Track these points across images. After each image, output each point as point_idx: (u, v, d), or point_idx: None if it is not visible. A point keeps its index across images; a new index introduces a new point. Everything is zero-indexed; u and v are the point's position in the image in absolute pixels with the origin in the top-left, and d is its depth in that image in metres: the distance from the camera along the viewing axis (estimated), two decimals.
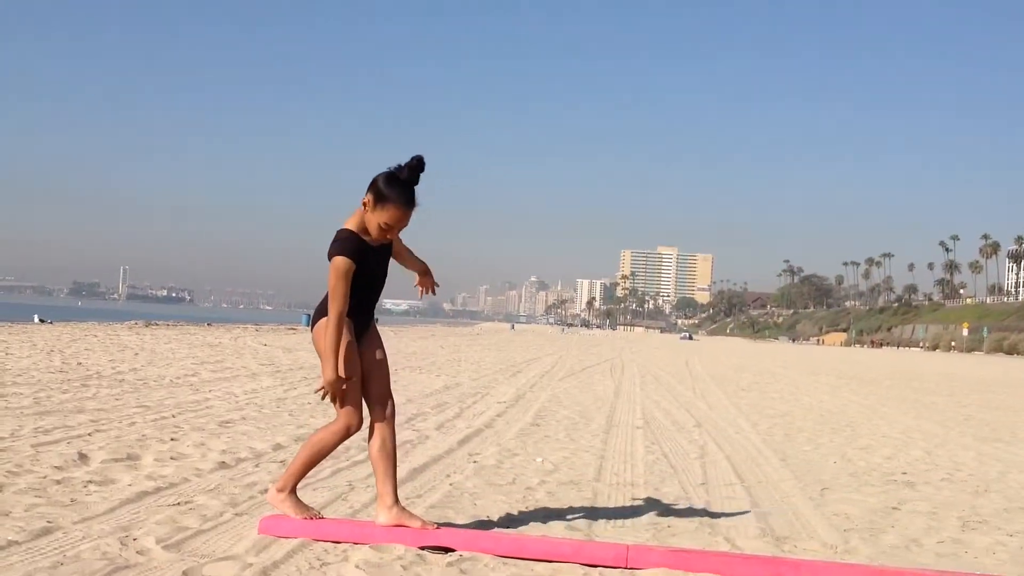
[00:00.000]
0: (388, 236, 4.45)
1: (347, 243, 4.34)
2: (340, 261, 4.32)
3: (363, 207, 4.40)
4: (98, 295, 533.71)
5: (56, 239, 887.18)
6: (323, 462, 6.39)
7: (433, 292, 4.99)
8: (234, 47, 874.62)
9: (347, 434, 4.50)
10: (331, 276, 4.32)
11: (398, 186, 4.34)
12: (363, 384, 4.51)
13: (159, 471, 5.75)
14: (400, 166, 4.36)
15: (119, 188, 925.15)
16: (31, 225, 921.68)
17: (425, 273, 4.93)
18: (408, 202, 4.36)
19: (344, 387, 4.38)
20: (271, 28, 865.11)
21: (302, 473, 4.57)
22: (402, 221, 4.39)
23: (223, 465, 6.10)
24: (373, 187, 4.36)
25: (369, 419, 4.55)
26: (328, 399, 4.39)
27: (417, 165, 4.36)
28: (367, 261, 4.43)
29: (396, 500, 4.50)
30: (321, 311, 4.47)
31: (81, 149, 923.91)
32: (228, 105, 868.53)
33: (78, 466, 5.73)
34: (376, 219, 4.36)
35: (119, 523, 4.42)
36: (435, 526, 4.44)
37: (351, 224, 4.42)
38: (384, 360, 4.63)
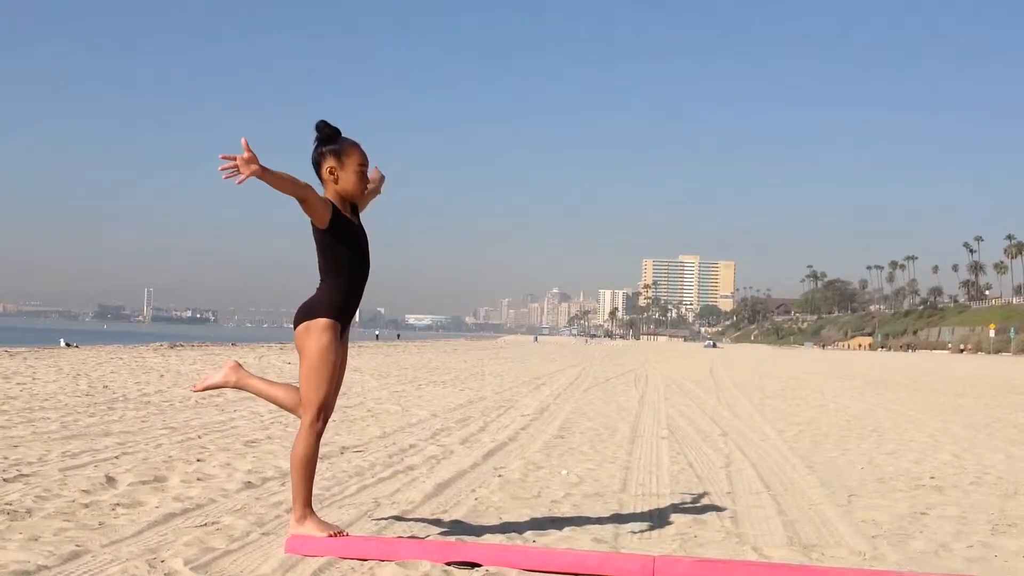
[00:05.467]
0: (366, 181, 4.63)
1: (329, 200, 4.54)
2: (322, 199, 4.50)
3: (331, 175, 4.58)
4: (123, 318, 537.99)
5: (81, 263, 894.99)
6: (348, 479, 6.44)
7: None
8: (250, 62, 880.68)
9: (320, 425, 4.51)
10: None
11: (337, 135, 4.60)
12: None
13: (186, 492, 5.78)
14: (317, 133, 4.58)
15: (142, 210, 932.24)
16: (56, 250, 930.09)
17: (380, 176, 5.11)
18: (355, 141, 4.63)
19: (250, 170, 4.07)
20: (281, 41, 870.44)
21: (308, 493, 4.54)
22: (366, 156, 4.63)
23: (249, 485, 6.13)
24: (327, 156, 4.57)
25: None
26: (236, 178, 4.06)
27: (323, 123, 4.58)
28: (352, 233, 4.58)
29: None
30: (305, 310, 4.56)
31: (103, 171, 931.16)
32: (245, 122, 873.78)
33: (106, 489, 5.76)
34: (350, 169, 4.57)
35: (147, 545, 4.44)
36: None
37: None
38: (343, 370, 4.69)
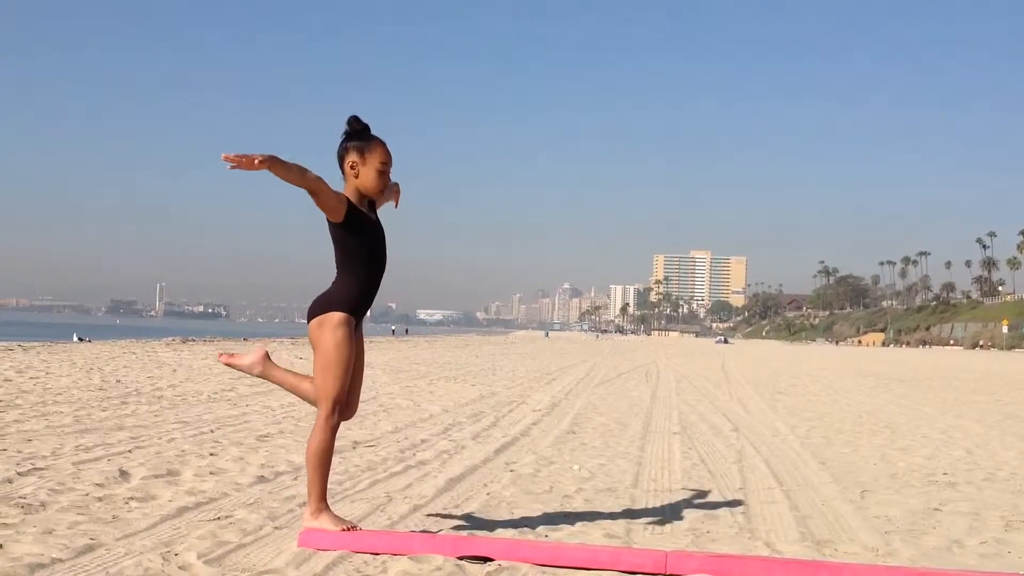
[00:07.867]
0: (386, 181, 4.62)
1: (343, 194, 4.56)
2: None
3: (352, 170, 4.58)
4: (135, 312, 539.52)
5: (93, 258, 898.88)
6: (360, 474, 6.46)
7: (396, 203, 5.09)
8: (269, 61, 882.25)
9: (336, 419, 4.50)
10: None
11: (366, 131, 4.61)
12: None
13: (199, 486, 5.80)
14: (347, 127, 4.60)
15: (154, 206, 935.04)
16: (69, 245, 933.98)
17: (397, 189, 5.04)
18: (381, 139, 4.63)
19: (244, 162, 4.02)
20: (294, 39, 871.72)
21: (323, 487, 4.55)
22: (390, 156, 4.62)
23: (262, 479, 6.14)
24: (350, 150, 4.58)
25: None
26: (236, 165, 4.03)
27: (354, 118, 4.60)
28: (368, 228, 4.58)
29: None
30: (320, 303, 4.55)
31: (114, 166, 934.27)
32: (257, 120, 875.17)
33: (119, 483, 5.78)
34: (372, 167, 4.57)
35: (160, 539, 4.46)
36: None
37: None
38: (362, 365, 4.71)
